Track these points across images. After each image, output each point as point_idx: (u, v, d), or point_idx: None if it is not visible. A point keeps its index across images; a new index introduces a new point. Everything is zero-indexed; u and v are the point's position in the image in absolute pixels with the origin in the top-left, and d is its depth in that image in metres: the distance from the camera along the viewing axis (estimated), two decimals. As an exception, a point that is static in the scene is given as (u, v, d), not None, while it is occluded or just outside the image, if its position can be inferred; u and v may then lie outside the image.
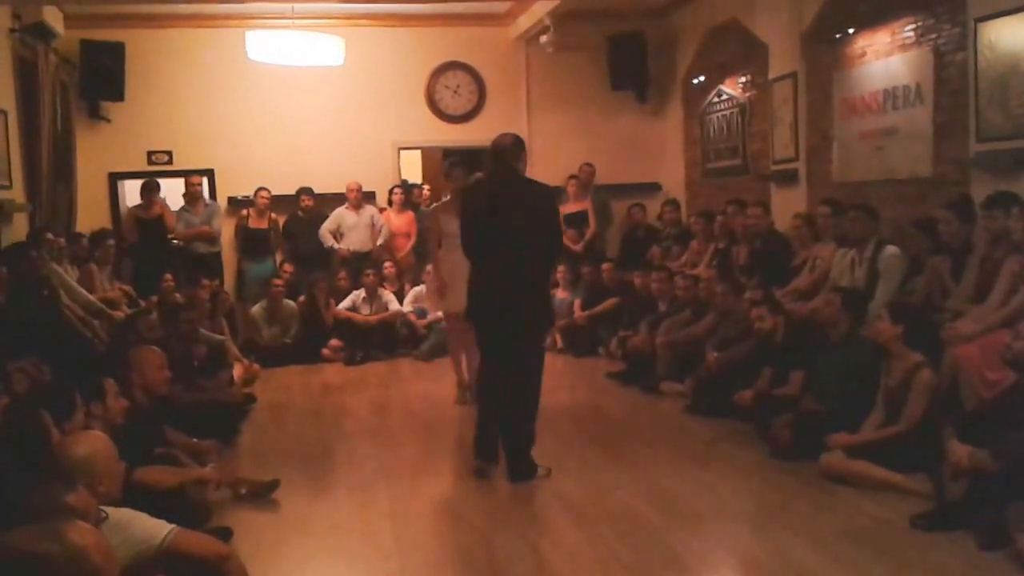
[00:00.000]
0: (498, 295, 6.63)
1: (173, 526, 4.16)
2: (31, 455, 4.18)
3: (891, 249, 7.81)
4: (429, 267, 12.21)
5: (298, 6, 11.71)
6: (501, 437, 6.76)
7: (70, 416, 4.80)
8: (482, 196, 6.96)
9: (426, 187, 13.91)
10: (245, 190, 13.05)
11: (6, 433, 4.58)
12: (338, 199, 12.92)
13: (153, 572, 4.06)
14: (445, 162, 9.92)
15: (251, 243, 12.89)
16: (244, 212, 12.93)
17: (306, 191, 12.97)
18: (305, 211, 12.96)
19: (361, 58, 13.06)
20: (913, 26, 8.63)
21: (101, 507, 3.87)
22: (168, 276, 11.01)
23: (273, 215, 12.96)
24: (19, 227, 9.90)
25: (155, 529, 4.11)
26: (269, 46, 11.43)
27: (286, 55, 11.54)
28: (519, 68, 14.07)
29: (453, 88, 13.97)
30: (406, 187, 13.71)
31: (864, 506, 5.73)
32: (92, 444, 4.16)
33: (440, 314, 11.61)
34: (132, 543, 3.99)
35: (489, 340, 6.84)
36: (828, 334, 7.11)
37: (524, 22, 13.27)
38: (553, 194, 7.11)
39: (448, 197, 9.31)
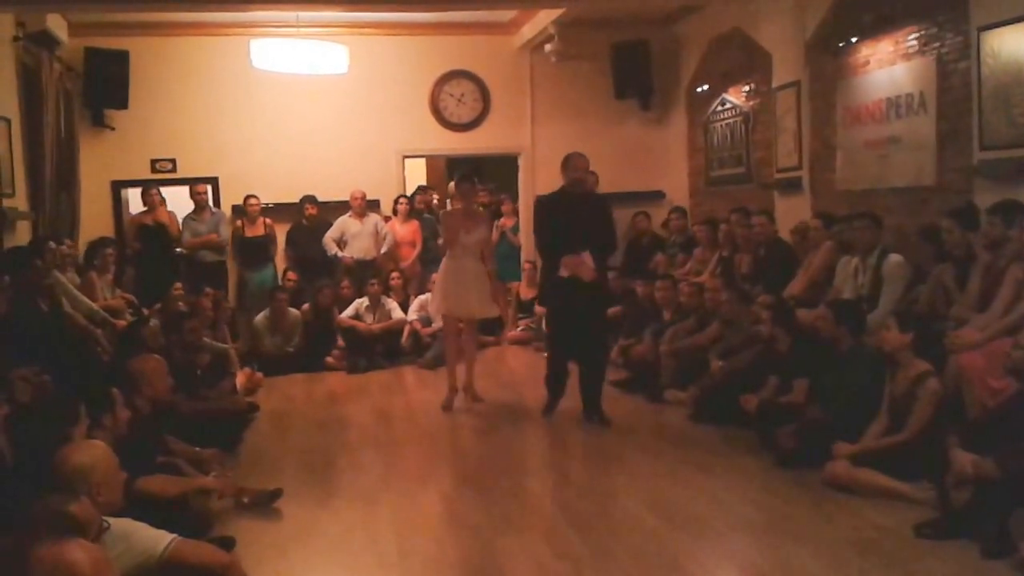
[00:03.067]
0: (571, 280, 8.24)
1: (174, 536, 4.18)
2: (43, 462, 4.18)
3: (895, 257, 7.81)
4: (434, 276, 12.28)
5: (302, 14, 11.73)
6: (582, 394, 8.57)
7: (74, 425, 4.81)
8: (557, 204, 8.56)
9: (434, 193, 13.96)
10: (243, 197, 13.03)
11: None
12: (342, 207, 12.91)
13: None
14: (457, 176, 10.21)
15: (248, 252, 12.90)
16: (239, 222, 12.92)
17: (310, 199, 12.97)
18: (309, 219, 12.95)
19: (365, 66, 13.09)
20: (916, 35, 8.64)
21: (103, 517, 3.88)
22: (178, 284, 10.97)
23: (269, 221, 12.94)
24: (22, 235, 9.89)
25: (156, 539, 4.13)
26: (273, 54, 11.45)
27: (290, 63, 11.56)
28: (523, 77, 14.07)
29: (457, 97, 13.96)
30: (418, 191, 13.74)
31: (868, 515, 5.73)
32: (91, 453, 4.17)
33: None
34: (133, 553, 4.01)
35: (563, 321, 8.62)
36: (836, 347, 7.08)
37: (528, 31, 13.29)
38: (609, 202, 9.12)
39: (458, 206, 9.76)
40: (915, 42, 8.67)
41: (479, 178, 12.79)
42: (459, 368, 9.49)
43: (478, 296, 9.21)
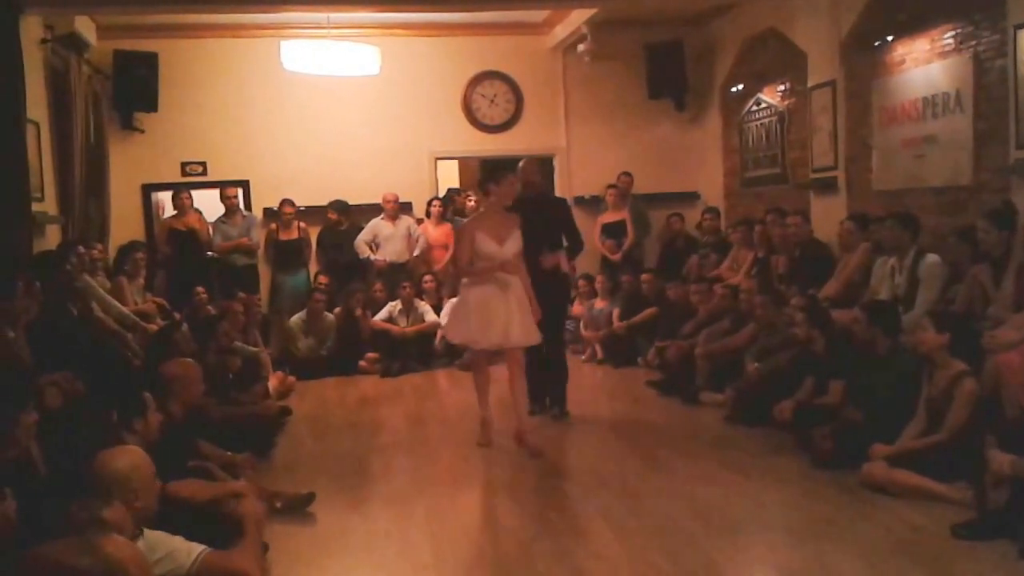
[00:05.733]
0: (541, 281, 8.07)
1: (203, 548, 4.19)
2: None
3: (932, 258, 7.77)
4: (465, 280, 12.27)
5: (333, 15, 11.75)
6: (551, 389, 8.80)
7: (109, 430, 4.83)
8: (519, 210, 7.92)
9: (471, 194, 13.94)
10: (279, 201, 13.02)
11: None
12: (374, 210, 12.93)
13: None
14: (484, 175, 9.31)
15: (282, 256, 12.92)
16: (273, 225, 12.95)
17: (335, 206, 12.96)
18: (335, 224, 12.99)
19: (397, 68, 13.10)
20: (952, 33, 8.58)
21: (143, 530, 3.90)
22: (200, 289, 11.02)
23: (303, 225, 12.95)
24: (52, 239, 9.89)
25: (187, 552, 4.15)
26: (304, 56, 11.49)
27: (321, 65, 11.59)
28: (556, 77, 14.07)
29: (490, 98, 13.98)
30: (451, 193, 13.74)
31: (905, 515, 5.69)
32: (131, 459, 4.20)
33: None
34: (163, 565, 4.03)
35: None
36: (873, 350, 7.03)
37: (561, 31, 13.29)
38: (567, 204, 9.30)
39: (482, 210, 8.58)
40: (951, 40, 8.61)
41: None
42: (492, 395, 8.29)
43: (522, 319, 7.65)
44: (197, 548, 4.22)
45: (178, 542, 4.20)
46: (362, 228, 12.90)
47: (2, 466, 4.21)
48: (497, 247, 7.54)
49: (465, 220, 8.39)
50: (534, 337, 7.78)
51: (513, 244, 7.63)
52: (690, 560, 5.21)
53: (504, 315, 7.56)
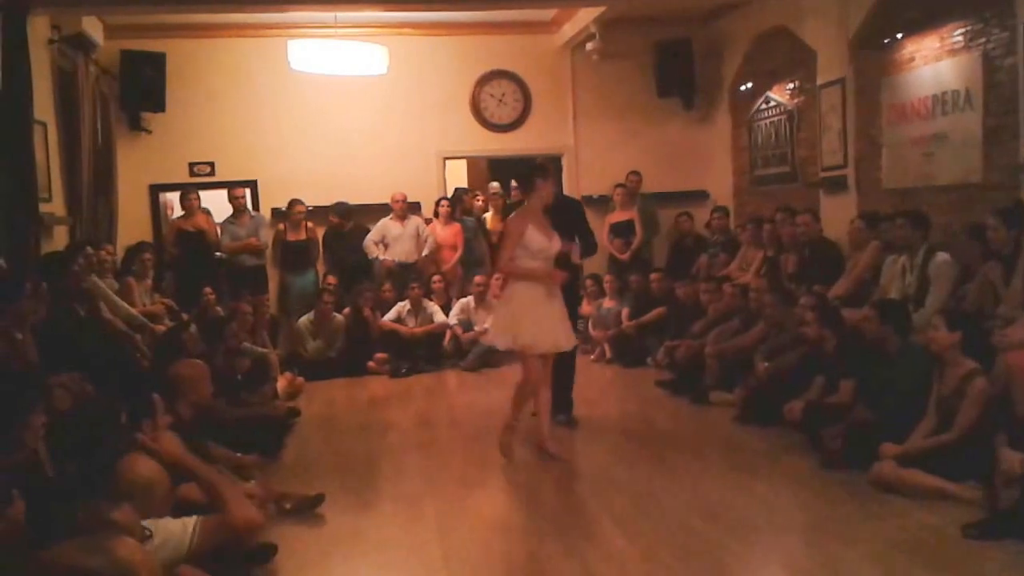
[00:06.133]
0: None
1: (195, 517, 4.21)
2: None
3: (942, 256, 7.75)
4: (478, 278, 12.26)
5: (341, 15, 11.78)
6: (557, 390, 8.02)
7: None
8: None
9: (479, 194, 13.93)
10: (288, 202, 12.96)
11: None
12: (383, 210, 12.90)
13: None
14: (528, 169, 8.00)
15: (290, 256, 12.88)
16: (281, 226, 12.93)
17: (337, 210, 12.92)
18: (338, 226, 12.96)
19: (405, 67, 13.09)
20: (962, 31, 8.56)
21: (144, 525, 3.90)
22: (208, 289, 11.03)
23: (311, 225, 12.92)
24: (59, 240, 9.89)
25: (183, 526, 4.17)
26: (312, 55, 11.48)
27: (329, 64, 11.58)
28: (565, 76, 14.05)
29: (498, 97, 13.97)
30: (459, 193, 13.72)
31: (915, 515, 5.67)
32: (154, 466, 4.22)
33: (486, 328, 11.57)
34: (167, 548, 4.05)
35: None
36: (884, 349, 7.00)
37: (569, 29, 13.27)
38: (582, 205, 8.73)
39: (525, 205, 7.74)
40: (960, 38, 8.59)
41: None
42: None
43: (563, 324, 7.57)
44: (190, 520, 4.23)
45: (171, 523, 4.20)
46: (366, 228, 12.89)
47: (10, 468, 4.20)
48: (547, 241, 7.33)
49: (512, 216, 7.72)
50: (572, 340, 7.72)
51: (556, 241, 7.41)
52: (700, 560, 5.20)
53: (550, 318, 7.37)
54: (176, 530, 4.19)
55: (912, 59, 9.32)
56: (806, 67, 11.29)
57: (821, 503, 6.10)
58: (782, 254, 10.26)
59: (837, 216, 10.14)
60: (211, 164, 13.27)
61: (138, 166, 12.78)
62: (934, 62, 8.97)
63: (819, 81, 10.86)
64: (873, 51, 9.89)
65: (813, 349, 7.89)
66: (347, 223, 12.90)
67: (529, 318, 7.25)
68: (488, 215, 13.42)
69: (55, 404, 5.41)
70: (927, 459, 6.04)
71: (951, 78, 8.71)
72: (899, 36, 9.45)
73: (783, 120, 12.15)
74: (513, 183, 13.22)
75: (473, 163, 16.22)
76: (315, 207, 12.95)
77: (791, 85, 11.97)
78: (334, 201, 12.95)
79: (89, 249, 9.00)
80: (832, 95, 10.59)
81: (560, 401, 8.42)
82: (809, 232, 9.79)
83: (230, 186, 12.78)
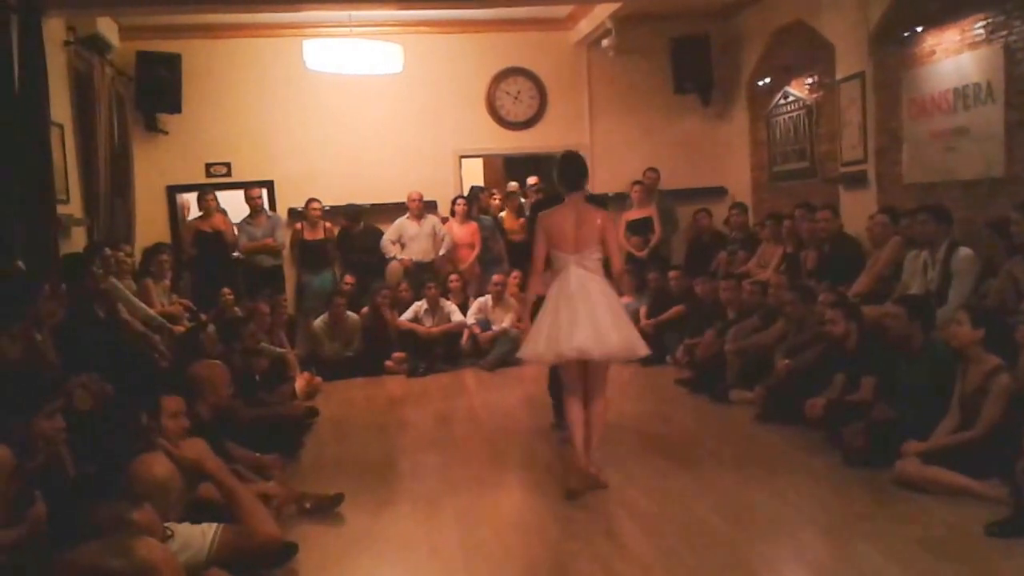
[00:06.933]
0: None
1: (216, 525, 4.22)
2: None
3: (964, 251, 7.68)
4: (495, 277, 12.23)
5: (355, 14, 11.79)
6: None
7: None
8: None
9: (496, 192, 13.90)
10: (305, 201, 12.99)
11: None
12: (399, 209, 12.89)
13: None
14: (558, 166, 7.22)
15: (308, 255, 12.89)
16: (298, 225, 12.95)
17: (347, 213, 12.90)
18: (351, 226, 12.93)
19: (420, 65, 13.11)
20: (983, 23, 8.49)
21: (166, 525, 3.91)
22: (226, 290, 11.05)
23: (328, 224, 12.93)
24: (77, 242, 9.91)
25: (200, 535, 4.18)
26: (327, 55, 11.51)
27: (344, 63, 11.61)
28: (581, 73, 14.02)
29: (514, 94, 13.94)
30: (476, 191, 13.70)
31: (939, 513, 5.64)
32: (170, 467, 4.22)
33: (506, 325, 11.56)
34: (187, 554, 4.06)
35: None
36: (907, 345, 6.93)
37: (585, 26, 13.22)
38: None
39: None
40: (982, 30, 8.52)
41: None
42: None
43: (615, 322, 6.60)
44: (211, 528, 4.23)
45: (192, 529, 4.20)
46: (377, 229, 12.90)
47: (32, 469, 4.21)
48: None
49: (548, 211, 6.92)
50: (639, 346, 6.79)
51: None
52: (721, 559, 5.17)
53: (590, 319, 6.51)
54: (196, 536, 4.19)
55: (933, 52, 9.25)
56: (824, 61, 11.23)
57: (843, 501, 6.06)
58: (802, 250, 10.22)
59: (857, 212, 10.09)
60: (227, 165, 13.29)
61: (155, 167, 12.81)
62: (955, 55, 8.90)
63: (838, 75, 10.80)
64: (893, 44, 9.83)
65: (833, 346, 7.83)
66: (357, 225, 12.89)
67: (563, 320, 6.53)
68: (504, 213, 13.40)
69: (76, 404, 5.43)
70: (950, 456, 5.99)
71: (972, 71, 8.64)
72: (919, 29, 9.39)
73: (801, 115, 12.09)
74: (530, 180, 13.25)
75: (489, 161, 16.21)
76: (332, 207, 12.94)
77: (809, 80, 11.91)
78: (350, 201, 12.94)
79: (107, 250, 9.04)
80: (851, 89, 10.53)
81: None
82: (829, 228, 9.73)
83: (247, 186, 12.80)
